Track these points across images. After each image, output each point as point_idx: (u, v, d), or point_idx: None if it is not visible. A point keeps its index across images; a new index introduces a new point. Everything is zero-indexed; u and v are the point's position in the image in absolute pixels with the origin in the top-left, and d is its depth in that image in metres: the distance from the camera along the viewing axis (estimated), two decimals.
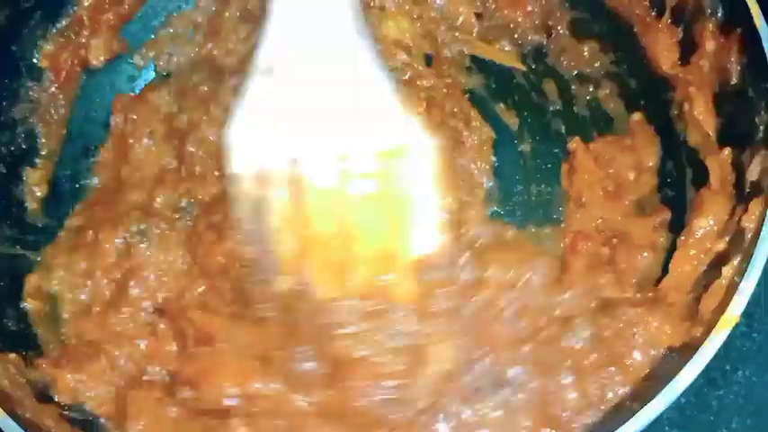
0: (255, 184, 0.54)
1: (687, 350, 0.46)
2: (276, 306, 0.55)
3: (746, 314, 0.59)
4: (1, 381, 0.51)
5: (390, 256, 0.55)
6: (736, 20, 0.56)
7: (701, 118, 0.59)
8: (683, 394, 0.58)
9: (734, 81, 0.57)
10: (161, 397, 0.54)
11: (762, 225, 0.48)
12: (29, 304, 0.60)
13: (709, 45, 0.59)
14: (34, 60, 0.66)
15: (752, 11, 0.54)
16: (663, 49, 0.64)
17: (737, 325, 0.59)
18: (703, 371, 0.57)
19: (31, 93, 0.67)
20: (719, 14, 0.58)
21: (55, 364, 0.56)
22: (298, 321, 0.54)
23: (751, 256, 0.47)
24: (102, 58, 0.69)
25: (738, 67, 0.56)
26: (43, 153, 0.67)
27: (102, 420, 0.55)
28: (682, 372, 0.45)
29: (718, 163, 0.55)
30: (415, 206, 0.54)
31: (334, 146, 0.53)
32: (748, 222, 0.50)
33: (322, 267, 0.55)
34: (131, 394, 0.54)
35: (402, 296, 0.54)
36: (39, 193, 0.65)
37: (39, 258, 0.63)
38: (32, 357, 0.56)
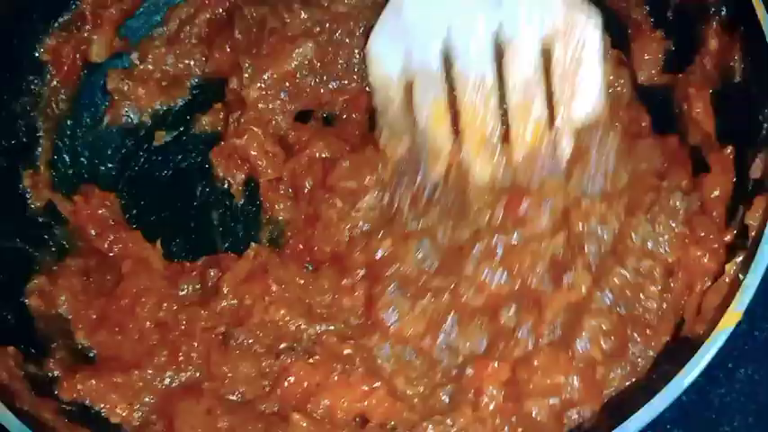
0: (402, 83, 0.58)
1: (690, 347, 0.46)
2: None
3: (748, 312, 0.59)
4: (1, 374, 0.51)
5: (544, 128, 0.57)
6: (740, 18, 0.56)
7: (699, 118, 0.58)
8: (684, 393, 0.59)
9: (737, 79, 0.57)
10: (210, 408, 0.53)
11: (766, 222, 0.48)
12: (30, 301, 0.60)
13: (713, 43, 0.59)
14: (36, 54, 0.67)
15: (756, 9, 0.54)
16: (647, 56, 0.65)
17: (739, 323, 0.60)
18: (705, 369, 0.57)
19: (32, 87, 0.67)
20: (723, 13, 0.58)
21: (73, 373, 0.56)
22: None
23: (755, 253, 0.47)
24: (103, 55, 0.69)
25: (742, 65, 0.57)
26: (43, 148, 0.67)
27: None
28: (684, 368, 0.44)
29: (721, 161, 0.55)
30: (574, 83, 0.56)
31: (488, 28, 0.55)
32: (752, 220, 0.50)
33: (476, 151, 0.58)
34: (179, 406, 0.53)
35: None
36: (40, 200, 0.65)
37: (36, 254, 0.63)
38: (35, 355, 0.56)
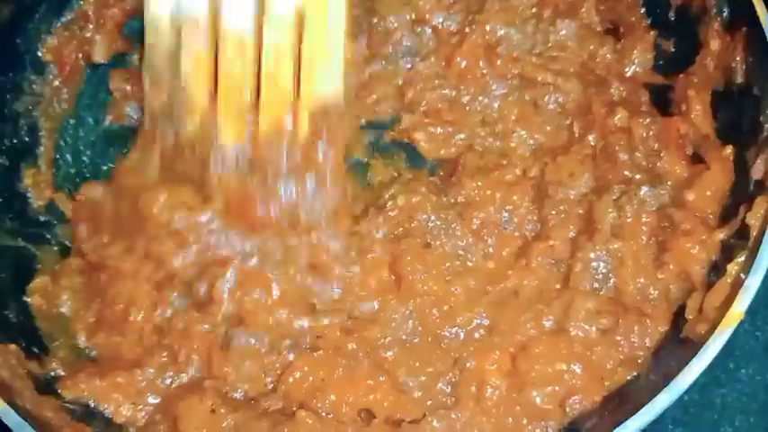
0: (172, 30, 0.59)
1: (692, 346, 0.46)
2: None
3: (750, 312, 0.59)
4: (1, 371, 0.51)
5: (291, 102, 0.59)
6: (741, 19, 0.56)
7: (698, 121, 0.59)
8: (686, 392, 0.59)
9: (739, 80, 0.57)
10: (214, 407, 0.53)
11: (767, 222, 0.48)
12: (31, 300, 0.60)
13: (714, 44, 0.59)
14: (38, 54, 0.67)
15: (757, 9, 0.55)
16: (638, 54, 0.66)
17: (741, 323, 0.60)
18: (707, 369, 0.57)
19: (34, 86, 0.67)
20: (725, 14, 0.58)
21: (75, 373, 0.55)
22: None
23: (756, 253, 0.47)
24: (105, 55, 0.69)
25: (744, 66, 0.57)
26: (44, 147, 0.67)
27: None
28: (686, 367, 0.44)
29: (720, 160, 0.56)
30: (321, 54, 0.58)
31: None
32: (753, 220, 0.50)
33: (228, 111, 0.59)
34: (183, 407, 0.53)
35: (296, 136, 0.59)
36: (42, 199, 0.66)
37: (38, 253, 0.63)
38: (36, 353, 0.56)
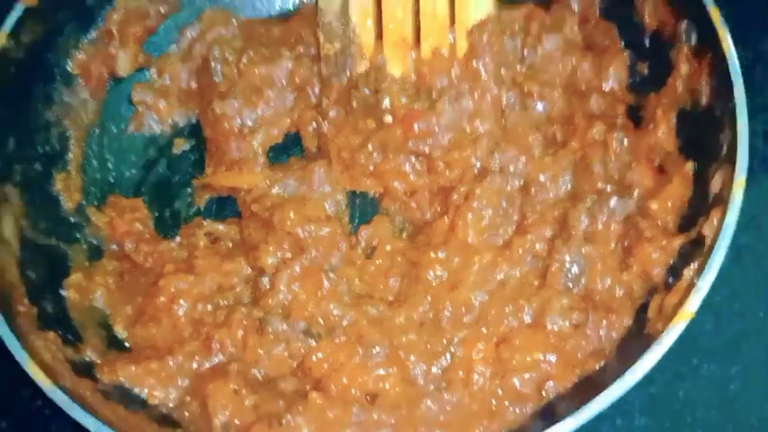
0: None
1: (649, 342, 0.52)
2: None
3: (714, 314, 0.67)
4: (45, 355, 0.57)
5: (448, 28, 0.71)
6: (707, 46, 0.62)
7: (663, 139, 0.65)
8: (653, 385, 0.65)
9: (703, 102, 0.62)
10: (237, 388, 0.59)
11: (720, 231, 0.54)
12: (68, 294, 0.66)
13: (683, 68, 0.65)
14: (67, 67, 0.72)
15: (721, 38, 0.60)
16: (615, 71, 0.71)
17: (705, 323, 0.66)
18: (672, 365, 0.64)
19: (63, 97, 0.72)
20: (693, 41, 0.64)
21: (112, 361, 0.62)
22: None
23: (708, 260, 0.53)
24: (128, 69, 0.76)
25: (708, 90, 0.62)
26: (73, 154, 0.73)
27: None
28: (643, 357, 0.50)
29: (681, 174, 0.62)
30: None
31: None
32: (708, 230, 0.56)
33: (393, 46, 0.72)
34: (211, 388, 0.59)
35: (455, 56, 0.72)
36: (72, 202, 0.72)
37: (69, 251, 0.69)
38: (71, 341, 0.62)
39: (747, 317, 0.67)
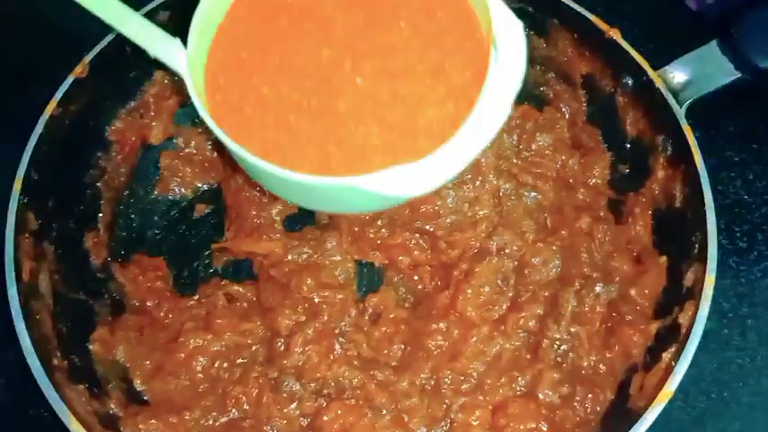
0: None
1: (633, 415, 0.60)
2: None
3: (684, 392, 0.73)
4: (78, 407, 0.61)
5: None
6: (681, 157, 0.70)
7: (640, 233, 0.74)
8: None
9: (677, 205, 0.71)
10: None
11: (694, 321, 0.62)
12: (93, 347, 0.69)
13: (660, 174, 0.73)
14: (105, 134, 0.77)
15: (693, 152, 0.68)
16: (597, 169, 0.80)
17: (676, 401, 0.73)
18: None
19: (99, 162, 0.77)
20: (669, 151, 0.72)
21: (134, 414, 0.65)
22: None
23: (684, 346, 0.61)
24: (160, 138, 0.82)
25: (681, 195, 0.70)
26: (103, 213, 0.78)
27: None
28: None
29: (656, 267, 0.70)
30: None
31: None
32: (683, 320, 0.64)
33: None
34: None
35: None
36: (99, 258, 0.76)
37: (95, 305, 0.73)
38: (96, 394, 0.66)
39: (713, 395, 0.74)
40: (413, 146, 0.53)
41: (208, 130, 0.82)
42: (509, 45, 0.53)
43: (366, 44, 0.55)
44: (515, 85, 0.52)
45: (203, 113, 0.54)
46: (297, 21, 0.57)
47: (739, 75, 0.71)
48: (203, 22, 0.57)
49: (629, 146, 0.78)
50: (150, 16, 0.71)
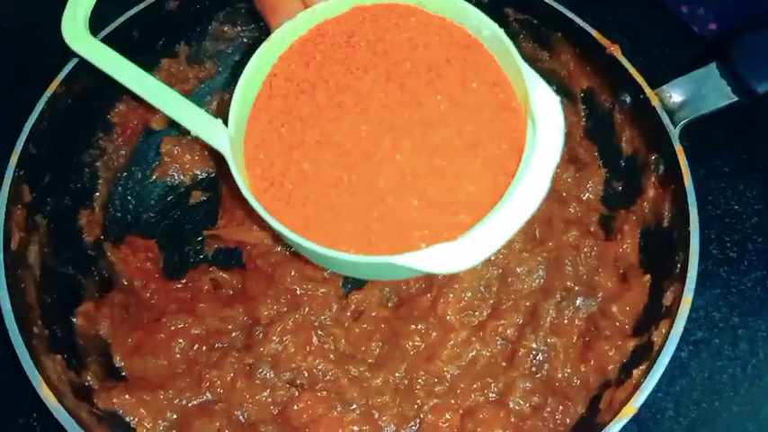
0: None
1: (598, 429, 0.60)
2: None
3: (675, 401, 0.74)
4: (52, 376, 0.62)
5: None
6: (671, 177, 0.70)
7: (627, 251, 0.73)
8: None
9: (665, 224, 0.71)
10: (220, 427, 0.66)
11: (666, 340, 0.62)
12: (77, 321, 0.71)
13: (651, 192, 0.73)
14: (108, 116, 0.79)
15: (683, 173, 0.68)
16: (590, 184, 0.80)
17: (667, 410, 0.73)
18: None
19: (100, 142, 0.79)
20: (661, 170, 0.72)
21: (109, 388, 0.67)
22: None
23: (654, 364, 0.61)
24: (161, 124, 0.83)
25: (669, 215, 0.70)
26: (100, 193, 0.79)
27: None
28: None
29: (639, 284, 0.70)
30: None
31: None
32: (657, 337, 0.63)
33: None
34: (197, 425, 0.66)
35: None
36: (92, 236, 0.77)
37: (84, 281, 0.74)
38: (74, 365, 0.67)
39: (704, 405, 0.74)
40: (453, 220, 0.54)
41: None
42: (547, 118, 0.54)
43: (404, 119, 0.56)
44: (554, 159, 0.53)
45: (246, 193, 0.56)
46: (334, 95, 0.58)
47: (736, 99, 0.71)
48: (242, 101, 0.59)
49: (623, 163, 0.78)
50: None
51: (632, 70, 0.74)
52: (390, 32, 0.59)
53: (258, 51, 0.59)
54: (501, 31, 0.57)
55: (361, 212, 0.55)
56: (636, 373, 0.63)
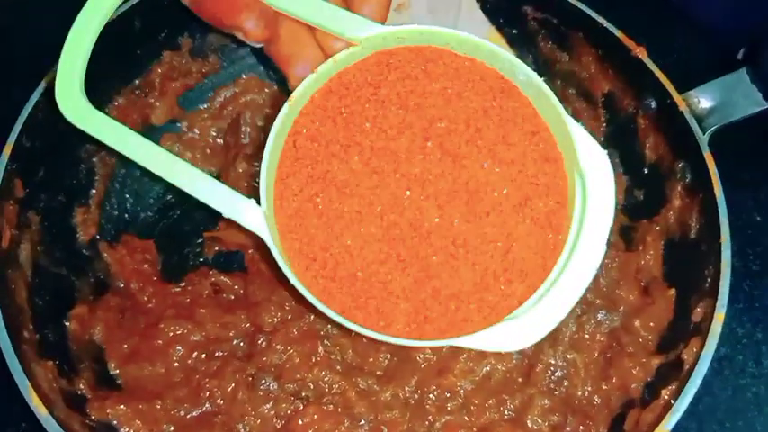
0: None
1: None
2: None
3: (698, 420, 0.71)
4: (42, 383, 0.58)
5: None
6: (700, 186, 0.67)
7: (650, 263, 0.70)
8: None
9: (692, 236, 0.68)
10: None
11: (698, 359, 0.58)
12: (70, 325, 0.67)
13: (676, 202, 0.70)
14: (106, 110, 0.75)
15: (713, 182, 0.65)
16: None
17: (690, 430, 0.70)
18: None
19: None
20: (687, 179, 0.69)
21: (102, 398, 0.63)
22: None
23: (686, 384, 0.57)
24: (161, 119, 0.79)
25: (697, 226, 0.67)
26: (96, 190, 0.76)
27: None
28: None
29: (664, 299, 0.67)
30: None
31: None
32: (687, 356, 0.60)
33: None
34: None
35: None
36: (87, 235, 0.74)
37: (77, 282, 0.71)
38: (66, 373, 0.63)
39: (727, 424, 0.71)
40: (508, 290, 0.52)
41: (214, 116, 0.82)
42: (596, 173, 0.52)
43: (449, 184, 0.53)
44: (609, 220, 0.51)
45: (293, 279, 0.53)
46: (369, 160, 0.54)
47: (767, 106, 0.68)
48: (270, 169, 0.55)
49: (646, 171, 0.75)
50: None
51: (659, 73, 0.71)
52: (420, 83, 0.55)
53: (281, 113, 0.55)
54: (537, 77, 0.54)
55: (414, 289, 0.52)
56: (664, 392, 0.59)
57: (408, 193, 0.53)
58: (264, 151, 0.54)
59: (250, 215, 0.55)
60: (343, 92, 0.56)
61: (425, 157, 0.54)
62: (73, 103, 0.59)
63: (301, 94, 0.56)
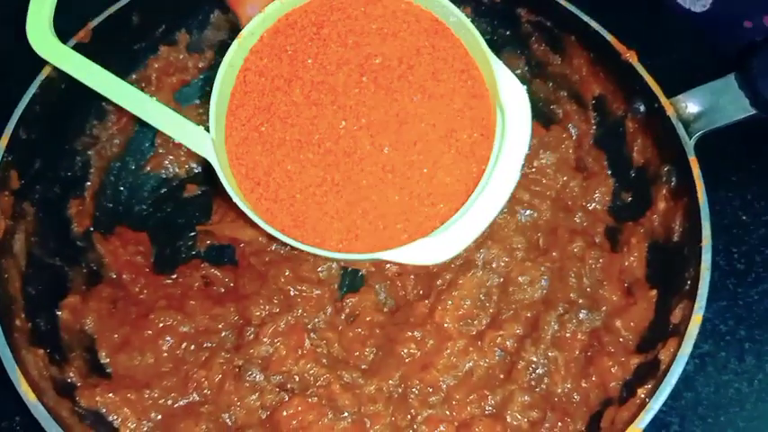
0: None
1: None
2: None
3: (681, 416, 0.72)
4: (33, 371, 0.59)
5: None
6: (684, 190, 0.67)
7: (633, 265, 0.71)
8: None
9: (675, 239, 0.68)
10: (207, 430, 0.64)
11: (674, 359, 0.59)
12: (61, 314, 0.68)
13: (661, 205, 0.71)
14: (102, 103, 0.77)
15: (697, 186, 0.66)
16: (598, 194, 0.78)
17: (672, 425, 0.71)
18: None
19: (93, 130, 0.77)
20: (673, 183, 0.70)
21: (92, 386, 0.64)
22: None
23: (661, 383, 0.58)
24: None
25: (680, 229, 0.68)
26: (91, 182, 0.77)
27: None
28: None
29: (646, 299, 0.68)
30: None
31: None
32: (664, 356, 0.61)
33: None
34: (181, 427, 0.64)
35: None
36: (81, 227, 0.75)
37: (70, 273, 0.72)
38: (57, 361, 0.64)
39: (710, 420, 0.72)
40: (432, 211, 0.57)
41: (207, 112, 0.83)
42: (514, 109, 0.56)
43: (380, 115, 0.58)
44: (523, 150, 0.56)
45: (234, 196, 0.58)
46: (310, 93, 0.59)
47: (755, 112, 0.69)
48: (220, 100, 0.59)
49: (633, 173, 0.76)
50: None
51: (648, 78, 0.71)
52: (359, 23, 0.59)
53: (231, 49, 0.59)
54: (466, 19, 0.58)
55: (347, 210, 0.58)
56: (641, 391, 0.60)
57: (344, 123, 0.58)
58: (215, 82, 0.59)
59: (199, 141, 0.60)
60: (290, 31, 0.60)
61: (360, 91, 0.58)
62: (42, 37, 0.63)
63: (250, 31, 0.59)
